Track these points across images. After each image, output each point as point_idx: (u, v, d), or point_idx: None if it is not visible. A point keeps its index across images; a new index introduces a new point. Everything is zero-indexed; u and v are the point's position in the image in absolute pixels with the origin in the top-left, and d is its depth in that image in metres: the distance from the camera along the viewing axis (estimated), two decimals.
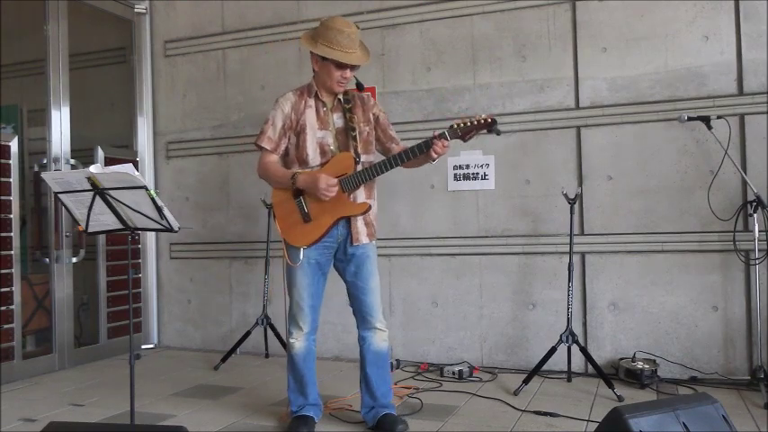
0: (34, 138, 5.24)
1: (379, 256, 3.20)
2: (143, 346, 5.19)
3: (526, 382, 3.69)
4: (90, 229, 2.69)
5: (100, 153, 4.82)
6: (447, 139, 2.81)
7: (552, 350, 3.75)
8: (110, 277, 4.92)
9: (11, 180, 4.23)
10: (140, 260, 5.22)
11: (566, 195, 3.83)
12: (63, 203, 2.68)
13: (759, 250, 3.57)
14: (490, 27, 4.36)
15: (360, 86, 3.07)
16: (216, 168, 5.14)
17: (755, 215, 3.54)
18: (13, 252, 4.21)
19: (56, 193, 2.65)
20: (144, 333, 5.25)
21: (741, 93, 3.83)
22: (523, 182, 4.26)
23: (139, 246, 5.19)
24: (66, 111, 4.65)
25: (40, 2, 4.55)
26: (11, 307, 4.19)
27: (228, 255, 5.09)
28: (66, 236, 4.61)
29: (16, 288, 4.23)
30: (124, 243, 4.77)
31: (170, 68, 5.30)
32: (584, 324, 4.12)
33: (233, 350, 4.55)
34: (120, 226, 2.70)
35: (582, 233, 4.11)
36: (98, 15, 5.13)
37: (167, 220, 2.61)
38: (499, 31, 4.34)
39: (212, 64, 5.16)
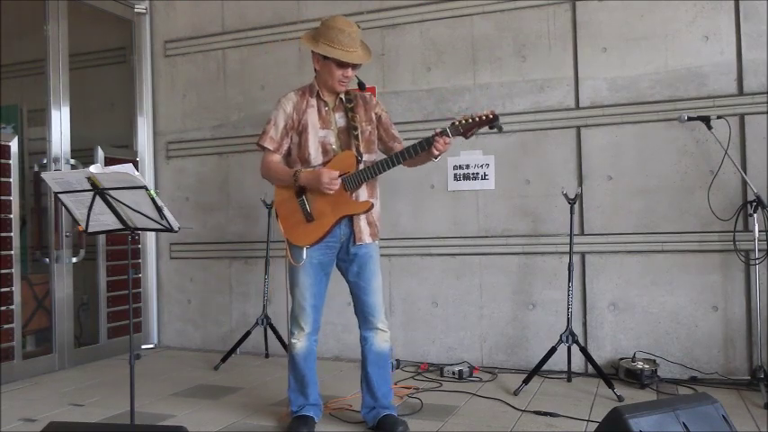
0: (34, 138, 5.24)
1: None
2: (143, 346, 5.19)
3: (526, 382, 3.69)
4: (90, 229, 2.69)
5: (100, 153, 4.82)
6: (449, 136, 2.81)
7: (552, 350, 3.75)
8: (110, 277, 4.92)
9: (11, 180, 4.23)
10: (140, 260, 5.22)
11: (566, 195, 3.83)
12: (63, 203, 2.68)
13: (759, 250, 3.57)
14: (490, 27, 4.36)
15: (361, 86, 3.07)
16: (216, 168, 5.14)
17: (755, 215, 3.54)
18: (13, 252, 4.22)
19: (56, 193, 2.65)
20: (144, 333, 5.25)
21: (741, 93, 3.83)
22: (523, 182, 4.26)
23: (139, 246, 5.19)
24: (66, 111, 4.65)
25: (40, 2, 4.55)
26: (11, 307, 4.19)
27: (228, 255, 5.09)
28: (67, 236, 4.61)
29: (16, 288, 4.23)
30: (124, 243, 4.77)
31: (170, 68, 5.31)
32: (584, 324, 4.12)
33: (233, 350, 4.55)
34: (120, 226, 2.70)
35: (582, 233, 4.11)
36: (98, 15, 5.13)
37: (167, 220, 2.61)
38: (499, 31, 4.34)
39: (212, 64, 5.16)
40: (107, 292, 4.90)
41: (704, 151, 3.88)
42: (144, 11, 5.31)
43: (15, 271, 4.23)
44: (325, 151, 2.99)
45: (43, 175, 2.69)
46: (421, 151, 2.86)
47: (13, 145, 4.26)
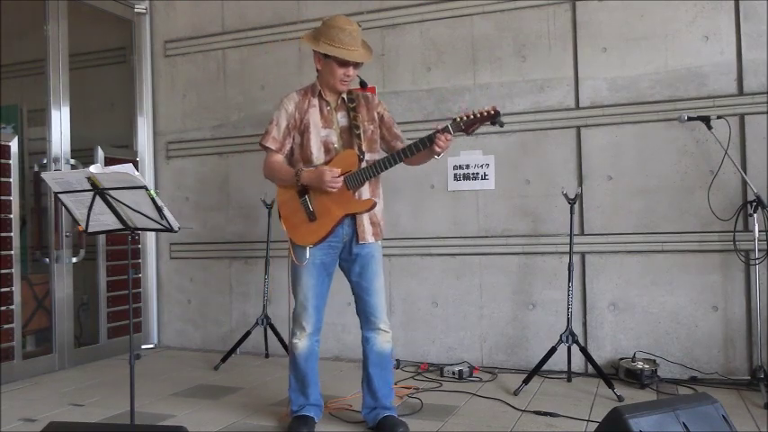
0: (34, 138, 5.24)
1: None
2: (143, 346, 5.19)
3: (526, 382, 3.69)
4: (90, 229, 2.69)
5: (100, 153, 4.82)
6: (450, 133, 2.80)
7: (552, 350, 3.75)
8: (110, 277, 4.92)
9: (11, 180, 4.23)
10: (140, 260, 5.22)
11: (566, 195, 3.83)
12: (63, 203, 2.68)
13: (759, 250, 3.57)
14: (490, 27, 4.36)
15: (363, 85, 3.07)
16: (216, 168, 5.14)
17: (755, 215, 3.54)
18: (13, 252, 4.22)
19: (56, 193, 2.65)
20: (144, 333, 5.25)
21: (741, 93, 3.83)
22: (523, 182, 4.26)
23: (139, 246, 5.19)
24: (66, 111, 4.65)
25: (40, 2, 4.55)
26: (11, 307, 4.19)
27: (228, 255, 5.09)
28: (67, 236, 4.61)
29: (16, 288, 4.23)
30: (124, 243, 4.77)
31: (170, 68, 5.31)
32: (584, 324, 4.12)
33: (233, 350, 4.55)
34: (120, 226, 2.70)
35: (582, 233, 4.11)
36: (98, 15, 5.13)
37: (167, 220, 2.61)
38: (499, 31, 4.34)
39: (212, 64, 5.16)
40: (107, 292, 4.90)
41: (704, 151, 3.88)
42: (144, 11, 5.31)
43: (15, 271, 4.23)
44: (327, 150, 2.99)
45: (43, 175, 2.69)
46: (423, 148, 2.85)
47: (13, 145, 4.26)
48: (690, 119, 3.65)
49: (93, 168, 2.54)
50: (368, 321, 3.07)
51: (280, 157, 3.05)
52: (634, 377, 3.74)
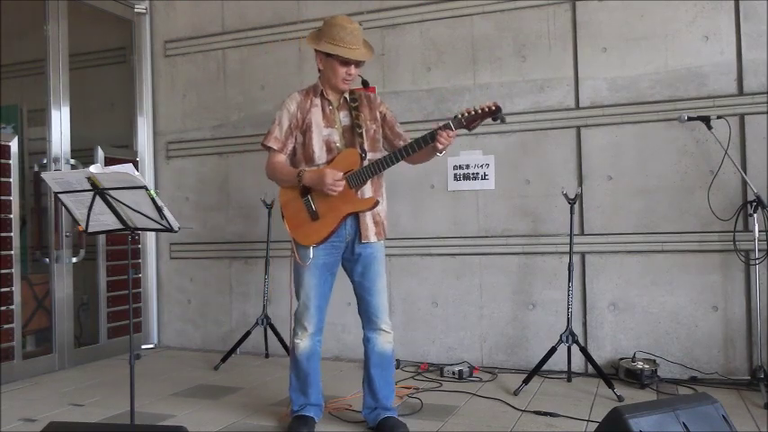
0: (34, 138, 5.24)
1: None
2: (143, 346, 5.19)
3: (526, 382, 3.69)
4: (90, 229, 2.69)
5: (100, 153, 4.82)
6: (452, 129, 2.79)
7: (552, 350, 3.75)
8: (110, 277, 4.92)
9: (11, 180, 4.23)
10: (140, 260, 5.22)
11: (566, 195, 3.83)
12: (63, 203, 2.68)
13: (759, 250, 3.57)
14: (490, 27, 4.36)
15: (365, 84, 3.08)
16: (216, 168, 5.14)
17: (755, 215, 3.54)
18: (13, 252, 4.22)
19: (56, 193, 2.65)
20: (144, 333, 5.25)
21: (741, 93, 3.83)
22: (523, 182, 4.26)
23: (139, 246, 5.19)
24: (66, 111, 4.65)
25: (40, 2, 4.55)
26: (11, 307, 4.19)
27: (228, 255, 5.09)
28: (67, 236, 4.61)
29: (16, 288, 4.23)
30: (124, 243, 4.77)
31: (170, 68, 5.31)
32: (584, 324, 4.12)
33: (233, 350, 4.55)
34: (120, 226, 2.70)
35: (582, 233, 4.11)
36: (98, 15, 5.13)
37: (167, 220, 2.61)
38: (499, 31, 4.34)
39: (212, 64, 5.16)
40: (107, 292, 4.90)
41: (704, 151, 3.88)
42: (144, 11, 5.31)
43: (15, 271, 4.23)
44: (329, 150, 2.99)
45: (43, 175, 2.69)
46: (425, 145, 2.84)
47: (13, 145, 4.26)
48: (690, 119, 3.65)
49: (93, 168, 2.54)
50: (370, 322, 3.07)
51: (282, 157, 3.05)
52: (634, 377, 3.74)
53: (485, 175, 4.34)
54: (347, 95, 3.06)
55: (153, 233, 5.22)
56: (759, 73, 3.78)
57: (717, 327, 3.86)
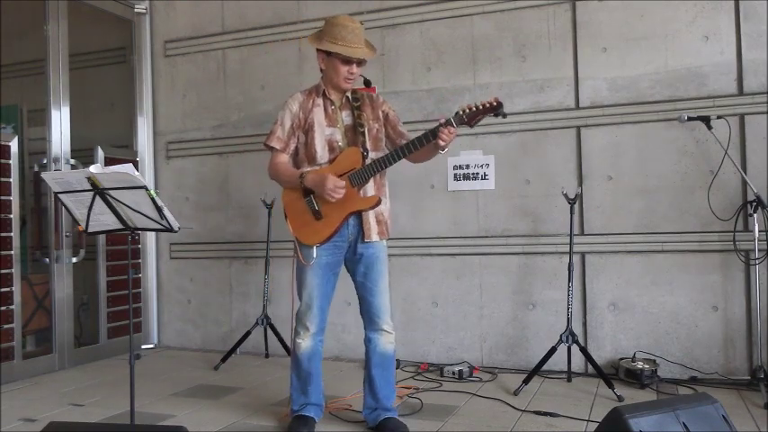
0: (34, 138, 5.24)
1: None
2: (143, 346, 5.19)
3: (526, 382, 3.69)
4: (90, 229, 2.69)
5: (100, 153, 4.82)
6: (453, 126, 2.78)
7: (552, 350, 3.75)
8: (110, 277, 4.92)
9: (11, 180, 4.23)
10: (140, 260, 5.22)
11: (566, 195, 3.83)
12: (63, 203, 2.68)
13: (759, 250, 3.57)
14: (490, 27, 4.36)
15: (368, 83, 3.08)
16: (216, 168, 5.14)
17: (755, 215, 3.54)
18: (13, 252, 4.22)
19: (56, 193, 2.65)
20: (144, 333, 5.25)
21: (741, 93, 3.83)
22: (523, 182, 4.26)
23: (139, 246, 5.19)
24: (66, 111, 4.65)
25: (40, 2, 4.55)
26: (11, 307, 4.19)
27: (228, 255, 5.09)
28: (67, 236, 4.61)
29: (16, 288, 4.23)
30: (124, 243, 4.77)
31: (170, 68, 5.31)
32: (584, 324, 4.12)
33: (233, 350, 4.55)
34: (120, 226, 2.70)
35: (582, 233, 4.11)
36: (98, 15, 5.13)
37: (167, 220, 2.61)
38: (499, 31, 4.34)
39: (212, 64, 5.16)
40: (107, 292, 4.90)
41: (704, 151, 3.88)
42: (144, 11, 5.31)
43: (15, 271, 4.23)
44: (331, 149, 2.99)
45: (43, 175, 2.69)
46: (426, 143, 2.83)
47: (13, 145, 4.26)
48: (690, 119, 3.65)
49: (93, 168, 2.54)
50: (371, 322, 3.07)
51: (285, 158, 3.05)
52: (634, 377, 3.74)
53: (485, 175, 4.34)
54: (349, 95, 3.06)
55: (153, 233, 5.22)
56: (759, 73, 3.78)
57: (717, 327, 3.86)
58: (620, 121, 4.06)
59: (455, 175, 4.40)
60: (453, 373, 4.04)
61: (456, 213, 4.42)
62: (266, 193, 4.51)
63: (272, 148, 3.06)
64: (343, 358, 4.63)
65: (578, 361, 3.96)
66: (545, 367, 3.78)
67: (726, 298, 3.84)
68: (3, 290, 4.14)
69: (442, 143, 2.80)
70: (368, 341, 3.08)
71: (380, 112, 3.10)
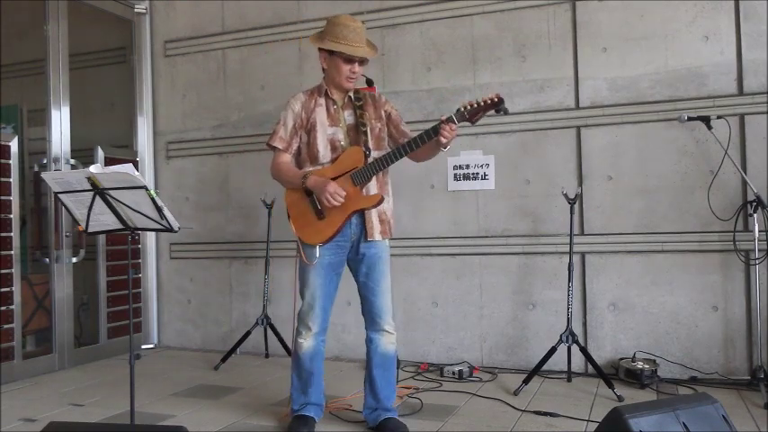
0: (34, 138, 5.24)
1: None
2: (143, 346, 5.19)
3: (526, 382, 3.69)
4: (90, 229, 2.69)
5: (100, 153, 4.82)
6: (455, 123, 2.78)
7: (552, 350, 3.75)
8: (110, 277, 4.92)
9: (11, 180, 4.23)
10: (140, 260, 5.23)
11: (566, 195, 3.83)
12: (63, 203, 2.68)
13: (759, 250, 3.57)
14: (490, 27, 4.36)
15: (370, 82, 3.08)
16: (216, 168, 5.14)
17: (755, 215, 3.54)
18: (13, 252, 4.22)
19: (56, 193, 2.65)
20: (144, 333, 5.25)
21: (741, 93, 3.83)
22: (523, 182, 4.26)
23: (139, 246, 5.19)
24: (66, 111, 4.65)
25: (40, 2, 4.55)
26: (11, 307, 4.19)
27: (228, 255, 5.09)
28: (67, 236, 4.61)
29: (16, 288, 4.23)
30: (124, 243, 4.77)
31: (170, 68, 5.31)
32: (584, 324, 4.12)
33: (233, 350, 4.55)
34: (120, 226, 2.70)
35: (582, 233, 4.11)
36: (98, 15, 5.13)
37: (167, 220, 2.61)
38: (499, 31, 4.34)
39: (212, 64, 5.16)
40: (107, 292, 4.90)
41: (704, 151, 3.88)
42: (144, 11, 5.31)
43: (15, 271, 4.23)
44: (333, 148, 2.99)
45: (43, 175, 2.69)
46: (428, 140, 2.82)
47: (13, 145, 4.26)
48: (690, 119, 3.65)
49: (93, 168, 2.54)
50: (373, 322, 3.07)
51: (287, 158, 3.05)
52: (634, 377, 3.74)
53: (485, 175, 4.34)
54: (351, 94, 3.06)
55: (153, 233, 5.22)
56: (759, 73, 3.78)
57: (717, 327, 3.86)
58: (620, 121, 4.06)
59: (455, 175, 4.40)
60: (453, 373, 4.04)
61: (456, 213, 4.42)
62: (266, 193, 4.51)
63: (274, 148, 3.06)
64: (344, 358, 4.63)
65: (578, 361, 3.96)
66: (545, 367, 3.78)
67: (726, 298, 3.84)
68: (3, 290, 4.14)
69: (443, 140, 2.80)
70: (369, 341, 3.08)
71: (383, 112, 3.10)
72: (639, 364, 3.77)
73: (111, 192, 2.55)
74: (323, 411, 3.17)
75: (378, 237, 3.00)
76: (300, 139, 3.05)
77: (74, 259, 4.68)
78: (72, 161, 4.67)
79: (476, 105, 2.75)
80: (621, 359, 3.93)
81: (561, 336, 3.75)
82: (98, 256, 4.87)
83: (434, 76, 4.49)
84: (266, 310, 4.57)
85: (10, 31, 5.20)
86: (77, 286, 4.77)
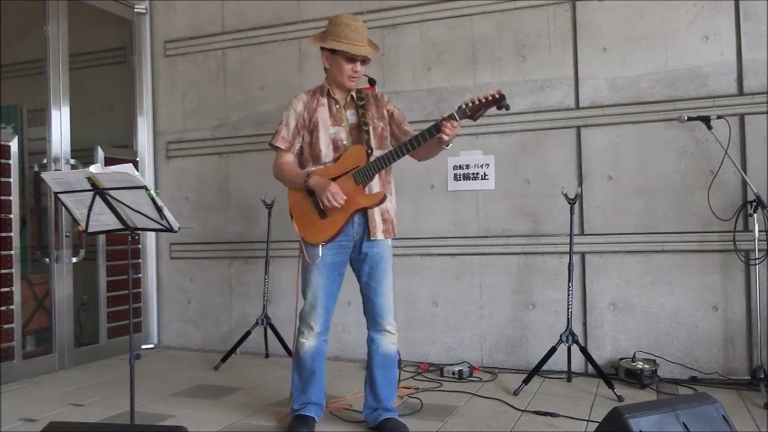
0: (34, 138, 5.24)
1: None
2: (143, 346, 5.19)
3: (526, 382, 3.69)
4: (90, 229, 2.69)
5: (100, 153, 4.82)
6: (457, 120, 2.78)
7: (552, 350, 3.75)
8: (110, 277, 4.92)
9: (11, 180, 4.23)
10: (140, 260, 5.22)
11: (566, 195, 3.83)
12: (63, 203, 2.68)
13: (759, 250, 3.57)
14: (490, 27, 4.36)
15: (372, 82, 3.08)
16: (216, 168, 5.14)
17: (755, 215, 3.54)
18: (13, 252, 4.22)
19: (56, 193, 2.65)
20: (144, 333, 5.25)
21: (741, 93, 3.83)
22: (523, 182, 4.26)
23: (139, 246, 5.19)
24: (66, 111, 4.65)
25: (40, 2, 4.55)
26: (11, 307, 4.19)
27: (228, 255, 5.09)
28: (67, 236, 4.61)
29: (16, 288, 4.23)
30: (124, 243, 4.77)
31: (170, 68, 5.31)
32: (584, 324, 4.12)
33: (233, 350, 4.55)
34: (120, 226, 2.70)
35: (582, 233, 4.11)
36: (98, 15, 5.13)
37: (167, 220, 2.61)
38: (499, 31, 4.34)
39: (212, 64, 5.16)
40: (107, 292, 4.90)
41: (704, 151, 3.88)
42: (144, 11, 5.31)
43: (15, 271, 4.23)
44: (336, 148, 2.99)
45: (43, 175, 2.69)
46: (429, 137, 2.82)
47: (13, 145, 4.26)
48: (690, 119, 3.65)
49: (93, 168, 2.54)
50: (375, 323, 3.07)
51: (290, 158, 3.05)
52: (634, 377, 3.74)
53: (485, 175, 4.34)
54: (354, 94, 3.06)
55: (153, 233, 5.22)
56: (759, 73, 3.79)
57: (717, 327, 3.86)
58: (620, 121, 4.06)
59: (455, 175, 4.40)
60: (453, 373, 4.04)
61: (456, 213, 4.42)
62: (266, 193, 4.51)
63: (276, 148, 3.06)
64: (344, 358, 4.63)
65: (578, 361, 3.96)
66: (545, 367, 3.78)
67: (726, 298, 3.84)
68: (3, 290, 4.14)
69: (445, 137, 2.80)
70: (370, 341, 3.08)
71: (385, 111, 3.11)
72: (639, 364, 3.77)
73: (111, 192, 2.55)
74: (323, 411, 3.17)
75: (380, 236, 3.00)
76: (303, 138, 3.05)
77: (74, 259, 4.68)
78: (72, 161, 4.67)
79: (477, 102, 2.75)
80: (621, 359, 3.93)
81: (561, 336, 3.75)
82: (98, 256, 4.88)
83: (434, 76, 4.49)
84: (266, 310, 4.57)
85: (10, 31, 5.21)
86: (77, 286, 4.77)
